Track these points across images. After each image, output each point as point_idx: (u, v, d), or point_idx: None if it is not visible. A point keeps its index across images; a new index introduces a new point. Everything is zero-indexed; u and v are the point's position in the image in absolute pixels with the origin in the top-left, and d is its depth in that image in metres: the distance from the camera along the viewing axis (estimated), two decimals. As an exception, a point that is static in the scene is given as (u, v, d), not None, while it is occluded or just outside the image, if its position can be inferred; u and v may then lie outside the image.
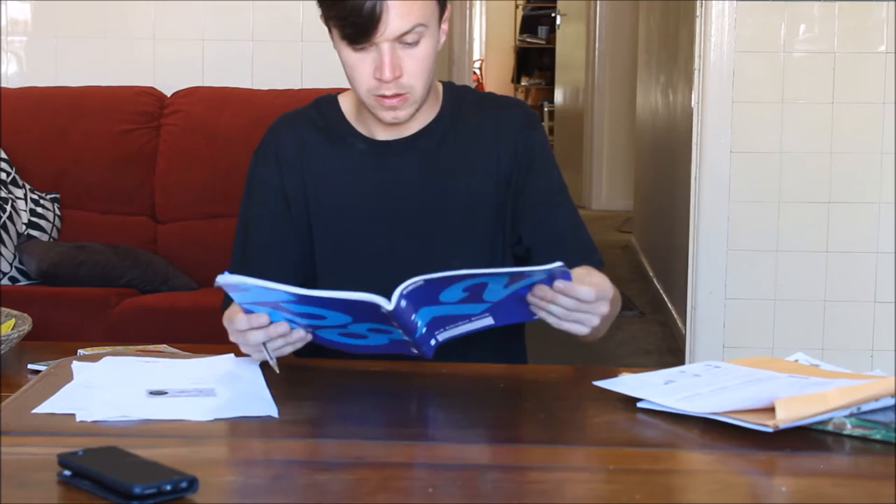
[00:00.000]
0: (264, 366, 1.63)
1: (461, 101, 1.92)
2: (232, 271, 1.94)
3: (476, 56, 11.14)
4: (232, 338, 1.62)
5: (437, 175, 1.88)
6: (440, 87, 1.92)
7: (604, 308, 1.58)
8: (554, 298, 1.55)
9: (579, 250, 1.90)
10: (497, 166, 1.88)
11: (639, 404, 1.48)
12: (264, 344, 1.57)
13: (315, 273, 1.91)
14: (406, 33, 1.71)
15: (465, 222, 1.88)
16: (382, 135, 1.89)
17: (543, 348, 2.36)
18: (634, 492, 1.22)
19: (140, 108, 3.87)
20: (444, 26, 1.80)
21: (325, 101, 1.95)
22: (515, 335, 1.97)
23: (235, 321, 1.59)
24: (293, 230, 1.90)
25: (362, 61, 1.74)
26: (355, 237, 1.88)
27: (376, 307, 1.48)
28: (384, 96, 1.75)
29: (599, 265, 1.92)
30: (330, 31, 1.77)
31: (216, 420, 1.43)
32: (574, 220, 1.93)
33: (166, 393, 1.51)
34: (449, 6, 1.81)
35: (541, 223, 1.90)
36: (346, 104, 1.93)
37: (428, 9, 1.73)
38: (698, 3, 3.86)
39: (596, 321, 1.59)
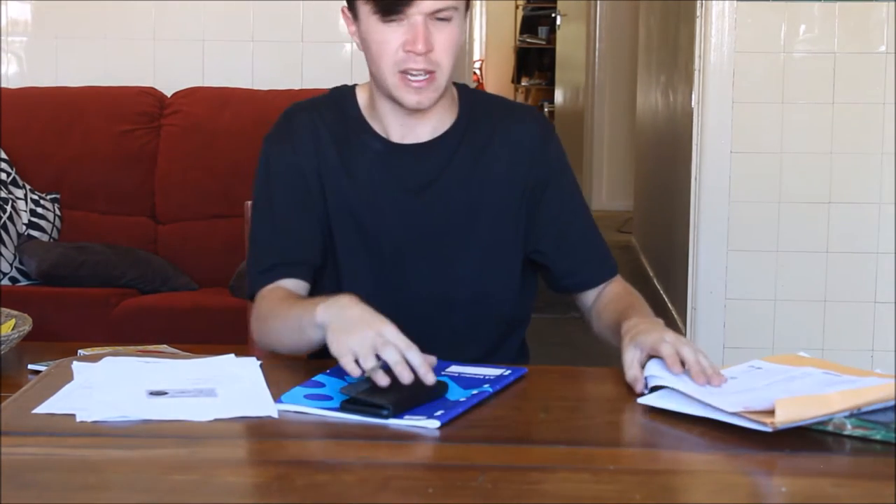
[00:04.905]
0: (264, 366, 1.63)
1: (476, 108, 1.89)
2: (260, 256, 1.87)
3: (476, 56, 11.13)
4: (355, 330, 1.51)
5: (451, 183, 1.84)
6: (455, 90, 1.88)
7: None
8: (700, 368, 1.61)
9: (593, 259, 1.94)
10: (513, 176, 1.86)
11: (639, 400, 1.48)
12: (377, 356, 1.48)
13: (337, 260, 1.86)
14: (441, 10, 1.72)
15: (475, 229, 1.86)
16: (397, 134, 1.85)
17: (543, 348, 2.36)
18: (634, 492, 1.22)
19: (140, 109, 3.87)
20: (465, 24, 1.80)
21: (343, 93, 1.90)
22: (515, 334, 1.96)
23: (386, 327, 1.50)
24: (313, 212, 1.84)
25: (393, 33, 1.72)
26: (369, 235, 1.85)
27: None
28: (411, 74, 1.73)
29: (614, 271, 1.98)
30: (355, 10, 1.76)
31: (216, 420, 1.43)
32: (588, 227, 1.95)
33: (166, 393, 1.51)
34: (471, 5, 1.81)
35: (558, 235, 1.91)
36: (362, 99, 1.88)
37: None
38: (698, 4, 3.85)
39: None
